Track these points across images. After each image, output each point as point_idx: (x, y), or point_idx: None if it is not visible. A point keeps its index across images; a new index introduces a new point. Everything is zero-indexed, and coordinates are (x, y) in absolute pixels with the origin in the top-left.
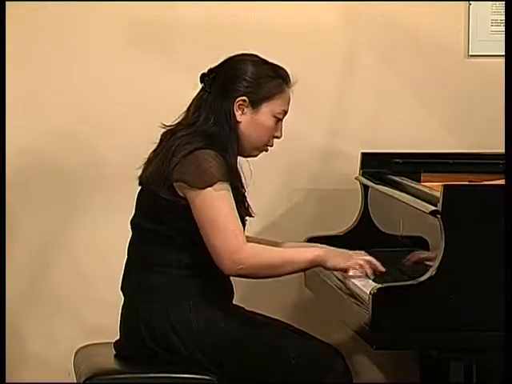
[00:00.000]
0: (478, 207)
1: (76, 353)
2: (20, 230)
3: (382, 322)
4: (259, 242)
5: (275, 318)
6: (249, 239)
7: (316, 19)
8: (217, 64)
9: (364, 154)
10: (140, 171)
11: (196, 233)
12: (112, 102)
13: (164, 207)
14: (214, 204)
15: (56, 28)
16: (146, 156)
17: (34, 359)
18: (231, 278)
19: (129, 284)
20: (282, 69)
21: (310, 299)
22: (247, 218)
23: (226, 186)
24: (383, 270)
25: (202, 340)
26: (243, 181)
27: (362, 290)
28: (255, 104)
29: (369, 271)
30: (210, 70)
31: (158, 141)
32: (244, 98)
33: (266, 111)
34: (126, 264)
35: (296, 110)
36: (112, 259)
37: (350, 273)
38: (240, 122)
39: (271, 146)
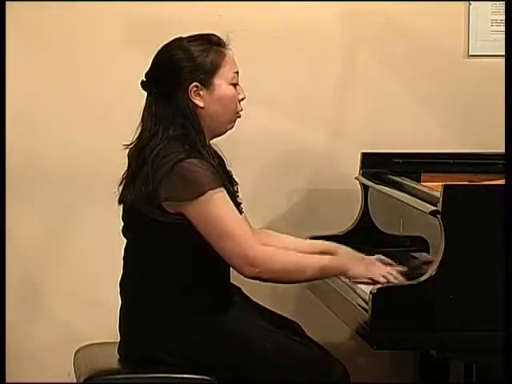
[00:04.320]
0: (478, 207)
1: (76, 353)
2: (20, 227)
3: (382, 321)
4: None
5: (278, 313)
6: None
7: (316, 19)
8: (149, 66)
9: (364, 154)
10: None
11: (190, 248)
12: (111, 102)
13: (156, 228)
14: (213, 212)
15: (56, 28)
16: None
17: (34, 359)
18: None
19: (123, 294)
20: (211, 34)
21: (310, 299)
22: None
23: (219, 189)
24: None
25: (198, 356)
26: (229, 172)
27: (362, 289)
28: (207, 83)
29: (396, 281)
30: (147, 74)
31: None
32: (194, 83)
33: (221, 83)
34: (124, 268)
35: (296, 110)
36: (112, 259)
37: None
38: (203, 107)
39: (241, 110)
